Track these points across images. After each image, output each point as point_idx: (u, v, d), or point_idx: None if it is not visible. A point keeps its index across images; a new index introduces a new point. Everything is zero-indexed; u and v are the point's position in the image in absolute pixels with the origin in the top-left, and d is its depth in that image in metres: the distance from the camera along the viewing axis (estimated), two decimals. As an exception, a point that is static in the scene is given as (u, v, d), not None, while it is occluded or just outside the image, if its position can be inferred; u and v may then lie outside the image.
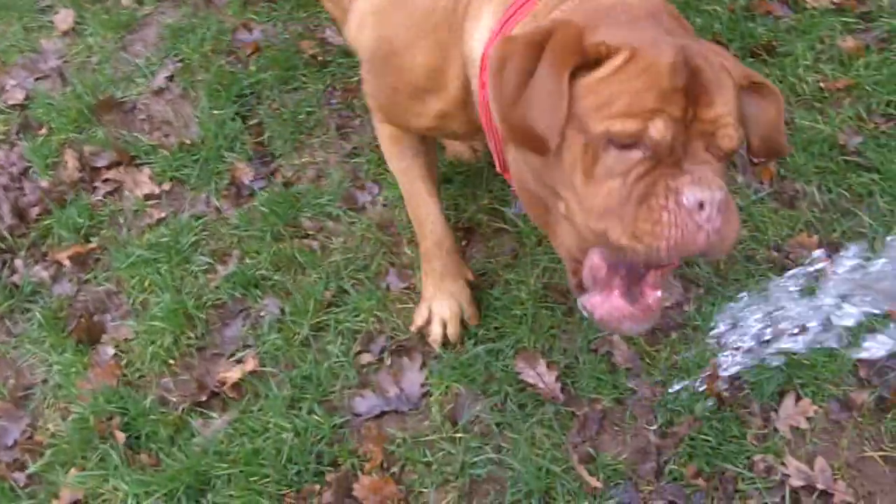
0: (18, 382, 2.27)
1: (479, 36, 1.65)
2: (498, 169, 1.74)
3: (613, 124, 1.34)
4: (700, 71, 1.35)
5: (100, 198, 2.63)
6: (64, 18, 3.12)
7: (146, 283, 2.41)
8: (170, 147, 2.71)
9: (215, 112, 2.76)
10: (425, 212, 2.08)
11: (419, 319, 2.18)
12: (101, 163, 2.69)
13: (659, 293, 1.47)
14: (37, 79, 2.99)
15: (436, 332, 2.16)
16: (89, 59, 3.02)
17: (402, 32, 1.79)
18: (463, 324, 2.18)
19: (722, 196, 1.33)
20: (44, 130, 2.81)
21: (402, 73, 1.81)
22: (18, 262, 2.48)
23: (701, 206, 1.32)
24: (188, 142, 2.71)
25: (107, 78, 2.91)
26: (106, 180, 2.66)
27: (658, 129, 1.33)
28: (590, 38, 1.37)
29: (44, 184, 2.64)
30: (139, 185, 2.61)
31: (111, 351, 2.30)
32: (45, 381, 2.27)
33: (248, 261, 2.42)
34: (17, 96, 2.93)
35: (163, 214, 2.57)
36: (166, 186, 2.63)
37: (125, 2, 3.14)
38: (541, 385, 2.09)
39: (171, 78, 2.90)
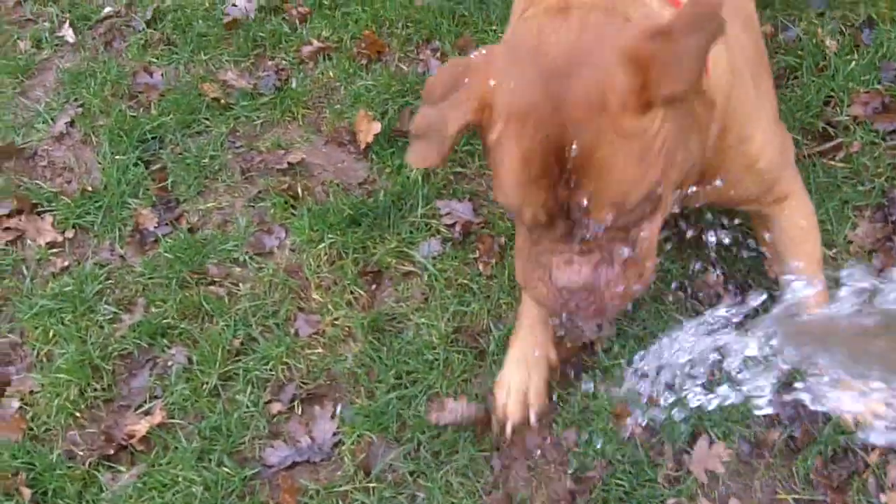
0: (-81, 441, 2.28)
1: None
2: None
3: (497, 196, 1.45)
4: (569, 150, 1.33)
5: (1, 247, 2.65)
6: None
7: (50, 334, 2.44)
8: (72, 194, 2.75)
9: (117, 157, 2.82)
10: None
11: (497, 394, 2.18)
12: (1, 211, 2.71)
13: None
14: None
15: (497, 408, 2.16)
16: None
17: None
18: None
19: (585, 280, 1.44)
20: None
21: None
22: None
23: (564, 290, 1.45)
24: (90, 188, 2.76)
25: (6, 124, 2.94)
26: (7, 229, 2.69)
27: (527, 217, 1.42)
28: (493, 95, 1.40)
29: (-59, 234, 2.66)
30: (41, 234, 2.65)
31: (16, 404, 2.34)
32: (-54, 438, 2.28)
33: (153, 309, 2.48)
34: None
35: (66, 263, 2.61)
36: (69, 234, 2.67)
37: (22, 46, 3.15)
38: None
39: (71, 123, 2.94)
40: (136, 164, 2.80)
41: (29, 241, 2.66)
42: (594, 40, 1.36)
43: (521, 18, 1.55)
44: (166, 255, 2.56)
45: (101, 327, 2.46)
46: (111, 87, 2.99)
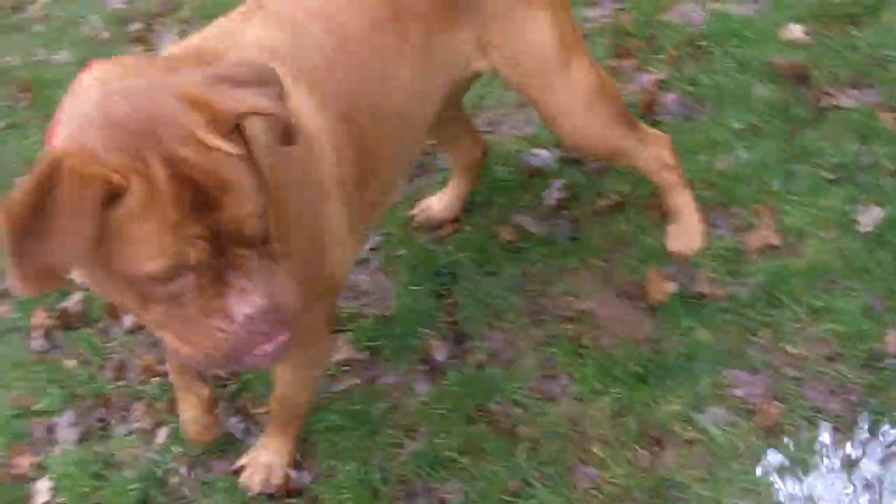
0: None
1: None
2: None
3: (144, 266, 1.48)
4: (195, 178, 1.46)
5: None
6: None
7: (337, 449, 2.68)
8: (368, 316, 3.04)
9: (412, 287, 3.10)
10: None
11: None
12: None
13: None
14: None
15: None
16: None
17: None
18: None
19: (272, 300, 1.56)
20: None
21: None
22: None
23: (251, 318, 1.54)
24: (385, 313, 3.04)
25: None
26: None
27: (193, 260, 1.49)
28: (102, 169, 1.43)
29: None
30: (339, 351, 2.93)
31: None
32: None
33: (436, 440, 2.67)
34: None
35: (357, 382, 2.87)
36: (362, 355, 2.94)
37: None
38: None
39: (374, 250, 3.26)
40: (429, 296, 3.06)
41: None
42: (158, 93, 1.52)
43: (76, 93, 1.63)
44: (453, 388, 2.77)
45: (383, 450, 2.67)
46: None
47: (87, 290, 3.23)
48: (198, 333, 1.57)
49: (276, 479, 2.63)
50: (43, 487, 2.79)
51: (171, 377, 2.65)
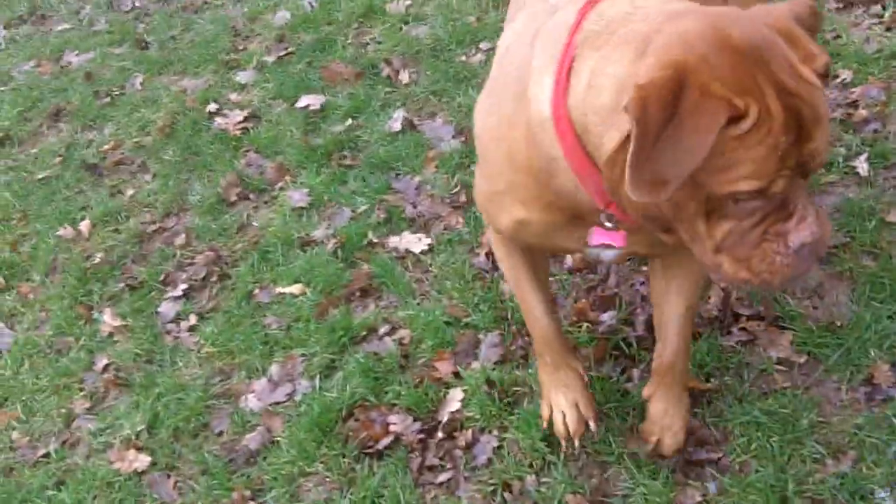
0: None
1: (543, 95, 1.79)
2: (600, 204, 1.84)
3: (739, 185, 1.58)
4: (800, 109, 1.57)
5: (732, 344, 2.87)
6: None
7: (752, 447, 2.58)
8: (815, 320, 2.87)
9: (875, 303, 2.87)
10: (532, 307, 2.39)
11: (544, 414, 2.56)
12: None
13: None
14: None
15: (557, 423, 2.51)
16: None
17: (487, 119, 2.05)
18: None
19: (820, 233, 1.67)
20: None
21: (496, 172, 2.02)
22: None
23: (805, 246, 1.66)
24: (837, 323, 2.84)
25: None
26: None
27: (779, 187, 1.61)
28: (725, 89, 1.53)
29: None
30: (778, 347, 2.80)
31: None
32: None
33: (862, 469, 2.48)
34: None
35: (788, 384, 2.73)
36: (800, 359, 2.79)
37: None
38: None
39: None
40: (889, 318, 2.82)
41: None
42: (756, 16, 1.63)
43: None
44: (892, 418, 2.55)
45: (803, 462, 2.53)
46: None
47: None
48: (756, 256, 1.69)
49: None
50: (456, 397, 2.95)
51: (543, 360, 2.56)
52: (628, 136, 1.57)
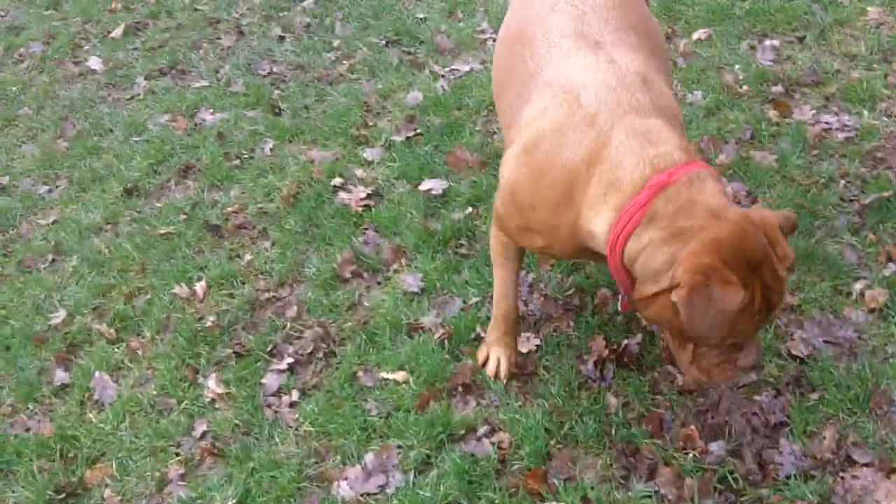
0: None
1: (600, 221, 2.60)
2: (621, 309, 2.83)
3: (723, 335, 2.49)
4: (771, 297, 2.47)
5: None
6: (874, 296, 3.38)
7: None
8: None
9: None
10: (507, 291, 3.27)
11: (481, 357, 3.45)
12: None
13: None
14: (826, 342, 3.27)
15: (491, 366, 3.40)
16: (886, 346, 3.22)
17: (527, 184, 2.75)
18: None
19: (757, 357, 2.65)
20: (815, 396, 3.08)
21: (522, 214, 2.82)
22: None
23: (748, 365, 2.65)
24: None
25: (898, 376, 3.10)
26: None
27: (745, 334, 2.55)
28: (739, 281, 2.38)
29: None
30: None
31: None
32: None
33: None
34: (801, 349, 3.24)
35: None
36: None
37: None
38: None
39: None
40: None
41: None
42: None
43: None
44: None
45: None
46: None
47: (651, 331, 3.33)
48: (715, 370, 2.64)
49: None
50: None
51: (498, 325, 3.42)
52: (660, 291, 2.49)
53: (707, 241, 2.38)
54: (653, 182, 2.48)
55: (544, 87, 2.77)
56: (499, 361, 3.38)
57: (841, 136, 4.20)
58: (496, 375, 3.38)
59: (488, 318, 3.58)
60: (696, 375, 2.65)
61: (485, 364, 3.44)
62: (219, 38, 6.34)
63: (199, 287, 4.14)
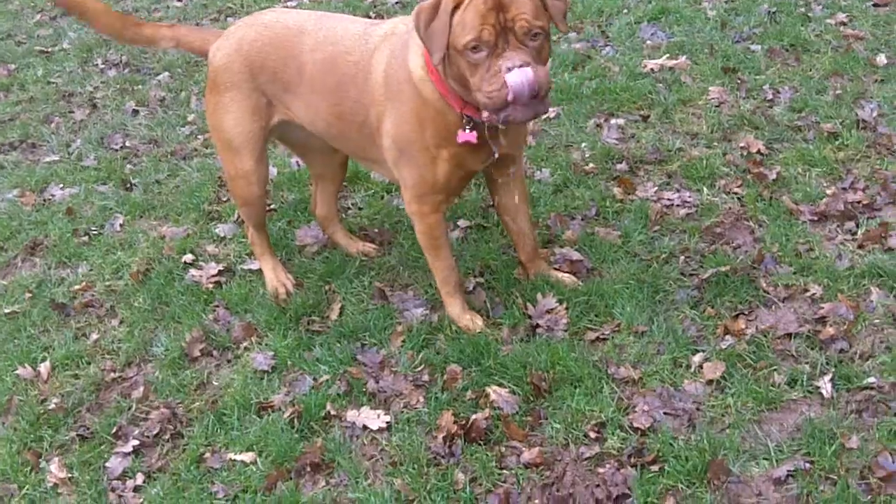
0: None
1: (418, 62, 3.42)
2: (457, 108, 3.38)
3: (463, 40, 3.09)
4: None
5: None
6: (713, 368, 3.51)
7: None
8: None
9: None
10: (451, 266, 3.87)
11: (463, 323, 3.91)
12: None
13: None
14: (666, 413, 3.38)
15: (476, 325, 3.87)
16: (723, 417, 3.34)
17: (412, 119, 3.51)
18: None
19: (522, 61, 3.04)
20: (655, 467, 3.17)
21: (426, 147, 3.52)
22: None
23: (510, 68, 3.01)
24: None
25: (733, 445, 3.21)
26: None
27: (488, 35, 3.07)
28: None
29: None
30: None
31: None
32: None
33: None
34: (643, 422, 3.34)
35: None
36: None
37: (777, 378, 3.44)
38: None
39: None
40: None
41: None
42: None
43: None
44: None
45: None
46: None
47: (496, 409, 3.38)
48: (488, 86, 3.10)
49: None
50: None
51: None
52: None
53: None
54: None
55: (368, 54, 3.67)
56: (471, 321, 3.87)
57: (682, 212, 4.37)
58: (471, 327, 3.87)
59: (339, 395, 3.58)
60: (482, 102, 3.15)
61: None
62: (72, 112, 6.25)
63: (44, 368, 4.03)
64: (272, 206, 4.84)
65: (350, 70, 3.59)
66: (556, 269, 4.10)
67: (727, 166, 4.64)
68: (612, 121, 5.14)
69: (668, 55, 5.66)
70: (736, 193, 4.46)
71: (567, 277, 4.04)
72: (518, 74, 2.99)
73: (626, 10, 6.24)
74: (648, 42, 5.88)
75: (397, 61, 3.46)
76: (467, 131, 3.37)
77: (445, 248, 3.80)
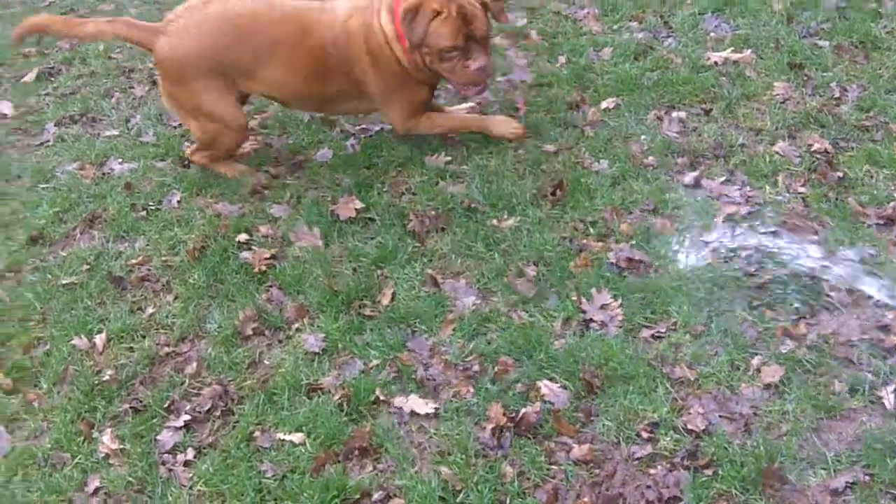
0: None
1: (390, 28, 4.48)
2: (409, 65, 4.57)
3: (442, 43, 4.35)
4: (465, 12, 4.30)
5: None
6: (771, 372, 3.43)
7: None
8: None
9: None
10: (464, 117, 5.11)
11: (510, 128, 5.01)
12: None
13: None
14: (721, 416, 3.30)
15: (518, 130, 5.00)
16: (780, 423, 3.26)
17: (388, 69, 4.63)
18: None
19: (484, 60, 4.45)
20: (709, 471, 3.10)
21: (395, 76, 4.64)
22: None
23: (479, 67, 4.42)
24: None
25: (790, 452, 3.12)
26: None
27: (459, 42, 4.34)
28: (436, 6, 4.28)
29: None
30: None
31: None
32: None
33: None
34: (698, 424, 3.27)
35: None
36: None
37: (837, 387, 3.35)
38: None
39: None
40: None
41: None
42: None
43: None
44: None
45: None
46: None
47: (547, 403, 3.33)
48: (460, 74, 4.43)
49: None
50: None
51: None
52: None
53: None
54: None
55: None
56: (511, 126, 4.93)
57: (744, 210, 4.27)
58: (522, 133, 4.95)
59: (389, 381, 3.56)
60: (455, 83, 4.54)
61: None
62: (132, 88, 6.26)
63: (99, 339, 4.04)
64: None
65: (328, 35, 4.51)
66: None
67: (791, 164, 4.52)
68: (674, 113, 5.04)
69: (732, 48, 5.53)
70: (800, 193, 4.34)
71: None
72: (481, 68, 4.43)
73: (689, 1, 6.10)
74: (712, 34, 5.74)
75: (372, 29, 4.48)
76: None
77: (444, 116, 4.98)
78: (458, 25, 4.26)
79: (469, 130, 4.91)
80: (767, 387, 3.41)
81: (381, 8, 4.45)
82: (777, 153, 4.64)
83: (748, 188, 4.44)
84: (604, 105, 5.19)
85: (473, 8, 4.29)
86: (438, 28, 4.26)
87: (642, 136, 4.91)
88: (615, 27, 6.04)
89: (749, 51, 5.51)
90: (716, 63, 5.44)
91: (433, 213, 4.49)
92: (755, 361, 3.50)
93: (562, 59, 5.74)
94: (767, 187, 4.44)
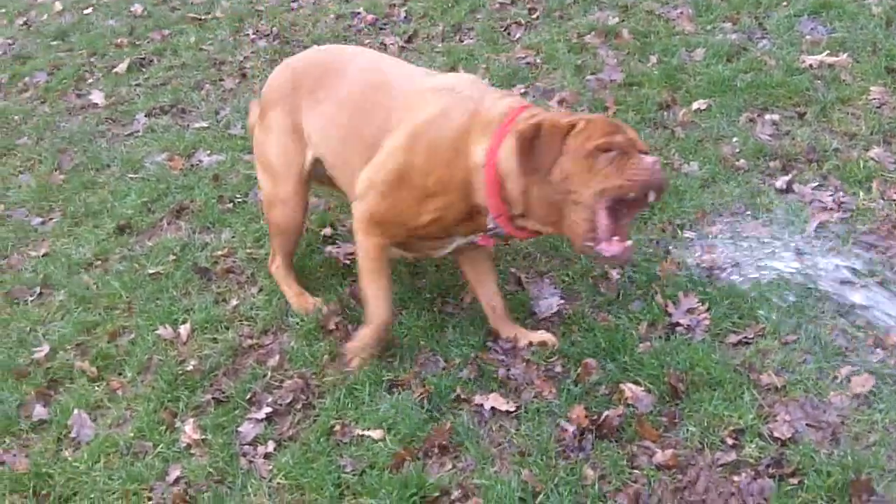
0: None
1: (480, 149, 3.34)
2: (493, 213, 3.40)
3: (597, 142, 3.14)
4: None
5: None
6: (861, 382, 3.36)
7: None
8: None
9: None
10: (386, 305, 3.70)
11: (351, 352, 3.82)
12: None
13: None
14: (808, 425, 3.25)
15: (356, 364, 3.75)
16: (869, 433, 3.19)
17: (424, 156, 3.42)
18: None
19: (658, 163, 3.17)
20: (794, 480, 3.05)
21: (414, 189, 3.43)
22: None
23: (652, 163, 3.14)
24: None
25: (878, 463, 3.06)
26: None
27: (618, 139, 3.17)
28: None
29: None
30: None
31: None
32: None
33: None
34: (784, 431, 3.22)
35: None
36: None
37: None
38: None
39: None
40: None
41: None
42: None
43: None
44: None
45: None
46: None
47: (630, 407, 3.31)
48: (628, 172, 3.12)
49: None
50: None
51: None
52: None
53: (535, 122, 3.26)
54: (512, 110, 3.36)
55: (415, 96, 3.55)
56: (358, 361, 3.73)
57: (836, 215, 4.18)
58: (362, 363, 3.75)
59: (469, 380, 3.56)
60: (613, 190, 3.14)
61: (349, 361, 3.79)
62: (221, 80, 6.38)
63: (184, 330, 4.12)
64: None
65: (387, 98, 3.60)
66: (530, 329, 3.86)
67: (885, 171, 4.42)
68: (766, 116, 4.97)
69: (828, 51, 5.42)
70: (894, 200, 4.24)
71: (544, 335, 3.77)
72: (657, 172, 3.16)
73: (785, 3, 6.00)
74: (808, 37, 5.64)
75: (447, 122, 3.41)
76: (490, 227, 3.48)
77: (383, 278, 3.69)
78: (609, 128, 3.21)
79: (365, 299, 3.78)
80: (856, 396, 3.34)
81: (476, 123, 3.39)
82: (872, 159, 4.54)
83: (841, 193, 4.35)
84: (695, 106, 5.14)
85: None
86: (582, 130, 3.19)
87: (734, 139, 4.84)
88: (709, 27, 5.97)
89: (845, 54, 5.39)
90: (811, 66, 5.34)
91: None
92: (844, 370, 3.43)
93: (653, 58, 5.68)
94: (861, 193, 4.34)
